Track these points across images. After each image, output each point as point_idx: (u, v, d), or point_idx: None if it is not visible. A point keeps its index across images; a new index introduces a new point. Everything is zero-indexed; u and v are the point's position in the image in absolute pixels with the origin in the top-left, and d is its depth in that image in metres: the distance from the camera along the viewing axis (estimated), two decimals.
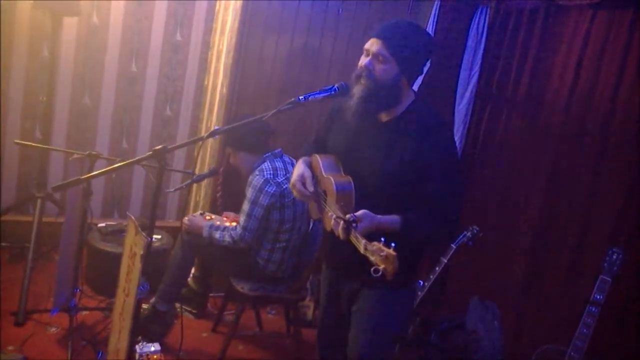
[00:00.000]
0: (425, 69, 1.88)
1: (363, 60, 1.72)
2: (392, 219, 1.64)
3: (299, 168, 1.85)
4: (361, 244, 1.50)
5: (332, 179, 1.71)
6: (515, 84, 3.27)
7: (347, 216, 1.56)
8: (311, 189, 1.79)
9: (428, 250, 2.01)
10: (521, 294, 3.15)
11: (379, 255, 1.44)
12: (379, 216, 1.62)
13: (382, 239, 1.46)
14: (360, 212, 1.59)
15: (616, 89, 2.79)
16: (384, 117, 1.78)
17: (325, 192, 1.78)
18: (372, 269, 1.46)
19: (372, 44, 1.70)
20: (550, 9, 3.07)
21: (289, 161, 2.77)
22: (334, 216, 1.62)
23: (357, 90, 1.72)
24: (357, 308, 1.87)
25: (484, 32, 3.36)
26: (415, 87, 3.27)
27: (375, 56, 1.70)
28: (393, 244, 1.44)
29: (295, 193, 1.82)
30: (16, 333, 2.60)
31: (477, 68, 3.40)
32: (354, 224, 1.55)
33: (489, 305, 3.08)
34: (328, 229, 1.71)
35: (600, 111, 2.85)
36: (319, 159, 1.83)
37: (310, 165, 1.87)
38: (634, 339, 2.65)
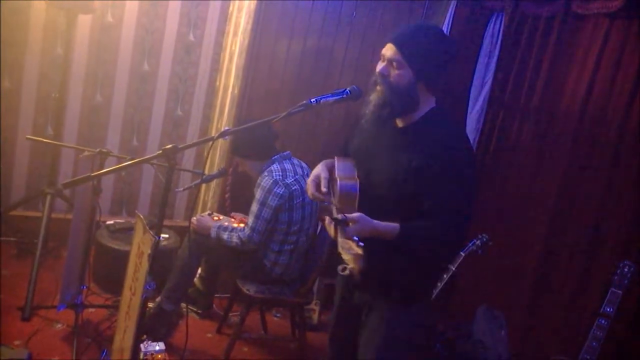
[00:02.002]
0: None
1: (379, 66, 1.71)
2: (391, 226, 1.61)
3: (317, 169, 1.84)
4: (339, 242, 1.49)
5: (338, 180, 1.71)
6: (529, 92, 3.24)
7: (338, 215, 1.55)
8: (324, 190, 1.77)
9: (443, 264, 1.93)
10: (529, 304, 3.12)
11: (349, 253, 1.43)
12: (376, 222, 1.60)
13: (356, 238, 1.45)
14: (355, 215, 1.57)
15: (631, 99, 2.76)
16: (400, 122, 1.75)
17: (333, 194, 1.77)
18: (339, 267, 1.45)
19: (387, 50, 1.69)
20: (567, 16, 3.04)
21: (298, 163, 2.77)
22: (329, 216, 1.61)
23: (373, 97, 1.70)
24: (365, 324, 1.83)
25: (499, 39, 3.34)
26: None
27: (390, 62, 1.68)
28: (362, 243, 1.44)
29: (309, 193, 1.82)
30: (22, 328, 2.60)
31: (490, 75, 3.38)
32: (343, 224, 1.53)
33: (497, 315, 3.05)
34: (329, 231, 1.69)
35: (615, 122, 2.82)
36: (336, 161, 1.83)
37: (331, 167, 1.86)
38: None
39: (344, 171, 1.78)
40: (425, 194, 1.63)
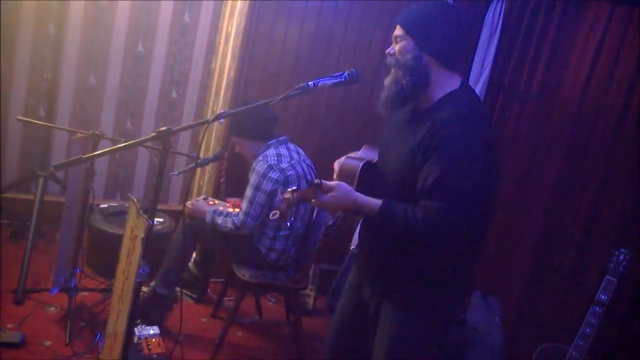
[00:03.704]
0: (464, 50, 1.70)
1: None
2: (373, 202, 1.56)
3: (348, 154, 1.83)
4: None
5: (343, 158, 1.70)
6: (529, 78, 3.21)
7: (315, 180, 1.54)
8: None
9: (468, 271, 1.75)
10: (524, 291, 3.13)
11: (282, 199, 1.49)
12: (358, 194, 1.57)
13: (294, 186, 1.52)
14: (333, 182, 1.55)
15: (631, 87, 2.74)
16: (421, 105, 1.67)
17: None
18: (271, 213, 1.55)
19: (394, 31, 1.65)
20: (569, 2, 3.01)
21: (294, 149, 2.74)
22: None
23: (387, 80, 1.66)
24: (377, 328, 1.76)
25: (499, 24, 3.30)
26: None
27: (394, 39, 1.64)
28: (294, 187, 1.51)
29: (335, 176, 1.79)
30: (15, 311, 2.59)
31: (490, 60, 3.34)
32: (318, 189, 1.53)
33: (491, 301, 3.05)
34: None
35: (614, 108, 2.80)
36: (362, 149, 1.83)
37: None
38: (637, 340, 2.62)
39: (362, 155, 1.77)
40: (421, 177, 1.54)
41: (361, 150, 1.81)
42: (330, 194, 1.53)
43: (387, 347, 1.72)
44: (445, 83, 1.62)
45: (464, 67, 1.51)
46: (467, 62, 3.36)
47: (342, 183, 1.56)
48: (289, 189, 1.54)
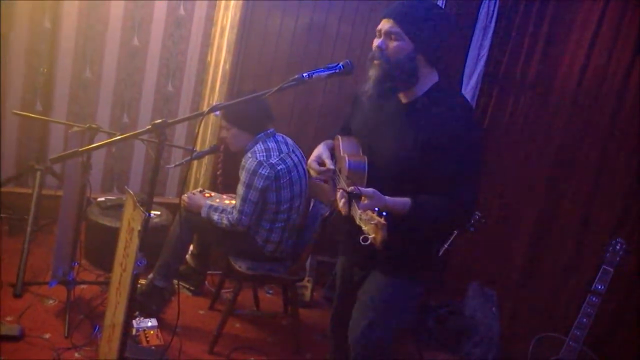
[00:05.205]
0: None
1: (376, 41, 1.69)
2: (402, 201, 1.62)
3: (318, 149, 1.86)
4: (357, 214, 1.49)
5: (346, 157, 1.71)
6: (524, 68, 3.21)
7: (350, 188, 1.55)
8: (331, 167, 1.78)
9: (441, 242, 1.92)
10: (521, 281, 3.14)
11: (370, 223, 1.43)
12: (387, 197, 1.60)
13: (376, 209, 1.45)
14: (370, 190, 1.57)
15: (627, 76, 2.74)
16: (404, 98, 1.73)
17: (340, 171, 1.77)
18: (361, 238, 1.45)
19: (384, 24, 1.67)
20: None
21: (282, 140, 2.71)
22: (340, 189, 1.61)
23: (372, 73, 1.68)
24: (362, 292, 1.84)
25: (495, 13, 3.29)
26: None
27: (387, 35, 1.66)
28: (384, 213, 1.43)
29: (312, 172, 1.82)
30: (14, 304, 2.59)
31: (485, 50, 3.33)
32: (357, 198, 1.54)
33: (488, 292, 3.07)
34: (338, 207, 1.69)
35: (610, 98, 2.80)
36: (340, 140, 1.83)
37: (332, 148, 1.87)
38: (633, 330, 2.64)
39: (350, 149, 1.78)
40: (433, 169, 1.63)
41: (342, 142, 1.81)
42: (368, 202, 1.55)
43: (375, 310, 1.80)
44: (428, 76, 1.71)
45: (449, 64, 1.56)
46: (454, 60, 3.38)
47: (375, 190, 1.58)
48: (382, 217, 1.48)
